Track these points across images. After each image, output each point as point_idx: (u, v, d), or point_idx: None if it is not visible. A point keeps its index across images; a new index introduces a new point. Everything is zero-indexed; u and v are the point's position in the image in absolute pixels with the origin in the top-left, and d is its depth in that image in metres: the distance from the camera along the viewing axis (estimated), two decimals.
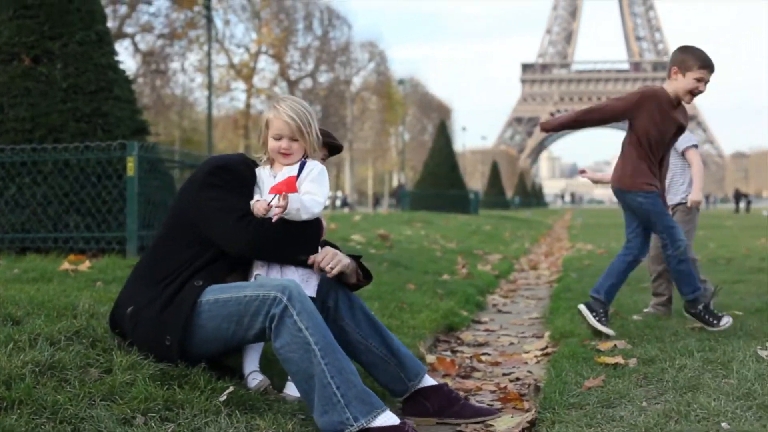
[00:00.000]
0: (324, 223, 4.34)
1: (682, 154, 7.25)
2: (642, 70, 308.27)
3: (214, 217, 4.11)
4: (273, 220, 4.00)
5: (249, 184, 4.25)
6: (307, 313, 3.80)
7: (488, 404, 4.82)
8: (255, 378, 4.39)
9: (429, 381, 4.43)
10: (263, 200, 4.14)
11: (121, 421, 3.50)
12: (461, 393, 5.02)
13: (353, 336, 4.29)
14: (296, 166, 4.26)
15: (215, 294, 3.99)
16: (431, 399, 4.39)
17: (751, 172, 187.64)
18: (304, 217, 4.11)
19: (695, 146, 7.27)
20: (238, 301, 3.91)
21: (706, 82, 6.10)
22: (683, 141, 7.07)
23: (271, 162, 4.32)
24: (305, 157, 4.29)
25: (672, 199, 7.18)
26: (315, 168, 4.28)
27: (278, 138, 4.23)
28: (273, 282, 3.95)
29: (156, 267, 4.17)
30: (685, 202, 7.26)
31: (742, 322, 6.51)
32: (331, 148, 4.66)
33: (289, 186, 4.10)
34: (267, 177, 4.30)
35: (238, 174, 4.23)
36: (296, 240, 4.16)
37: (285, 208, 3.97)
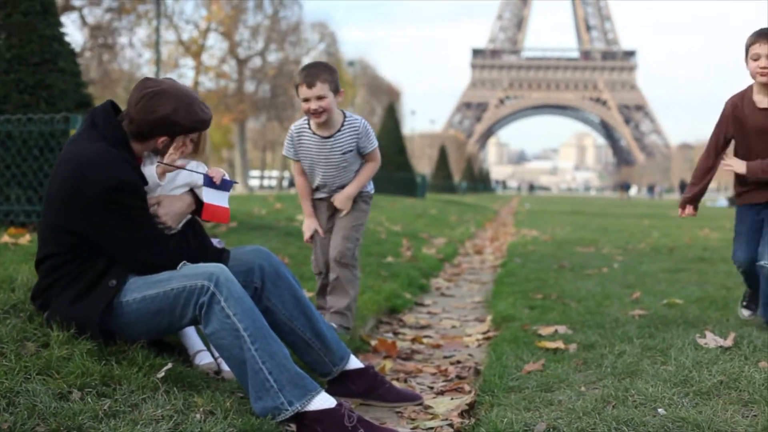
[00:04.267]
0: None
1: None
2: (592, 58, 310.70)
3: (122, 246, 3.94)
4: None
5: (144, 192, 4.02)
6: (234, 298, 3.73)
7: (428, 386, 4.85)
8: (204, 357, 4.36)
9: (355, 363, 4.43)
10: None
11: (57, 396, 3.45)
12: (402, 375, 5.06)
13: (278, 316, 4.22)
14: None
15: (140, 291, 3.87)
16: (357, 382, 4.39)
17: (696, 162, 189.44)
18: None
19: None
20: (166, 296, 3.82)
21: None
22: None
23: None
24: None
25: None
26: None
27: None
28: (199, 270, 3.84)
29: (55, 264, 4.00)
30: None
31: (683, 311, 6.57)
32: None
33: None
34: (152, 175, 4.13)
35: (140, 193, 3.97)
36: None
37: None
